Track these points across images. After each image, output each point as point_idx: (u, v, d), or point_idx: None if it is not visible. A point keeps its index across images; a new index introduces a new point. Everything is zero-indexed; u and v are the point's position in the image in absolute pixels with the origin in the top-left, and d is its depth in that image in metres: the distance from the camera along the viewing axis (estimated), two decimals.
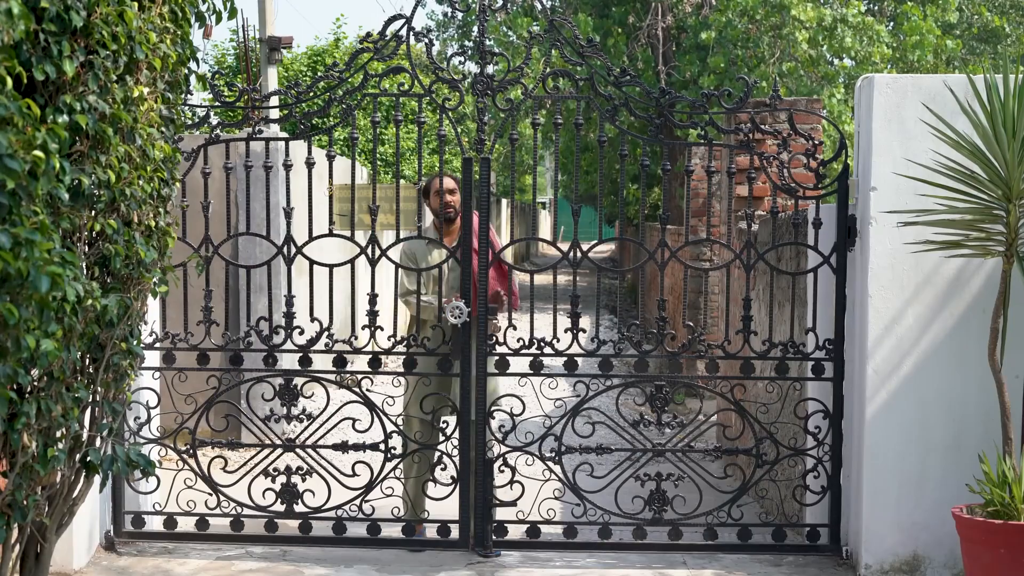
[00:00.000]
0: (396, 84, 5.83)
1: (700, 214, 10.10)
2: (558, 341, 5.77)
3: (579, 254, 5.79)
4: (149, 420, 5.78)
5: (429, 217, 6.37)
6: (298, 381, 5.88)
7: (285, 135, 6.02)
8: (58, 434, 3.80)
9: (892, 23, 18.65)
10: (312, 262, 5.83)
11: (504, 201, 31.22)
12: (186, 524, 5.87)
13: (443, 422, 5.88)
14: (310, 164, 5.81)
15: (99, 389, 4.11)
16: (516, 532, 5.82)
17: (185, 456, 5.84)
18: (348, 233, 5.96)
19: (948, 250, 5.14)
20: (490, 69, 5.72)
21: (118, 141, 3.89)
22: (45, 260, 3.14)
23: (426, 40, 5.67)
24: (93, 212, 3.87)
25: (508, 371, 5.81)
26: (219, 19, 4.69)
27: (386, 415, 5.78)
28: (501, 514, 5.80)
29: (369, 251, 5.80)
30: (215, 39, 26.67)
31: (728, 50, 16.43)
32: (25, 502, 3.66)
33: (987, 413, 5.26)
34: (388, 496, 5.79)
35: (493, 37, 19.75)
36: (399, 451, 5.89)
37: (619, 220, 6.37)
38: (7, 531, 3.66)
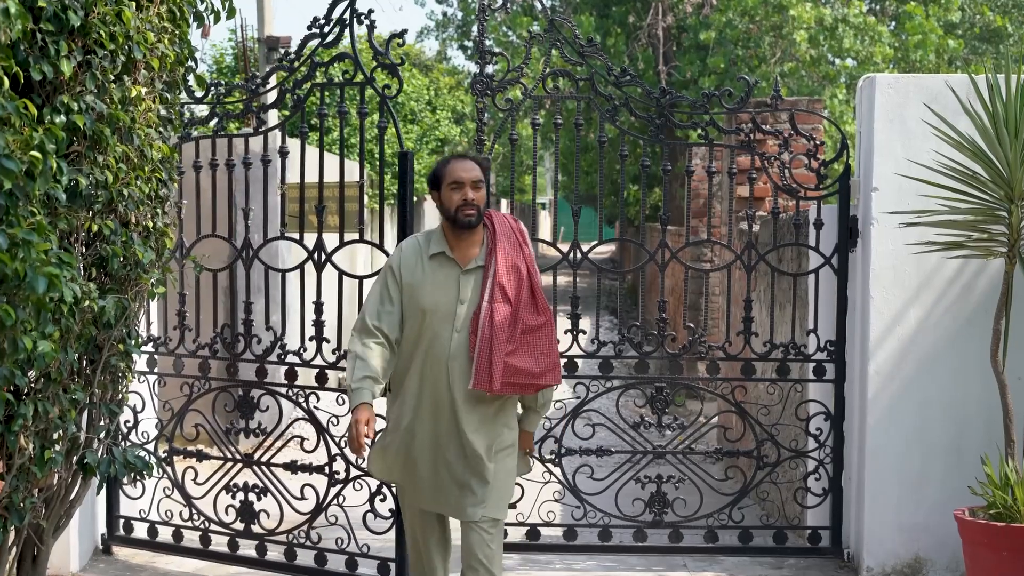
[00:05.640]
0: (341, 71, 5.45)
1: (701, 215, 10.08)
2: (558, 342, 5.74)
3: (579, 255, 5.77)
4: (136, 425, 5.64)
5: (436, 218, 6.03)
6: (255, 393, 5.61)
7: (249, 131, 5.67)
8: (55, 436, 3.79)
9: (894, 23, 18.65)
10: (268, 267, 5.55)
11: (504, 201, 31.23)
12: (167, 534, 5.71)
13: None
14: (266, 161, 5.58)
15: (96, 391, 4.10)
16: (516, 534, 5.79)
17: (164, 464, 5.65)
18: (297, 236, 5.59)
19: (950, 251, 5.12)
20: (490, 69, 5.68)
21: (116, 141, 3.88)
22: (42, 261, 3.13)
23: (367, 23, 5.29)
24: (91, 213, 3.86)
25: None
26: (217, 19, 4.67)
27: (331, 435, 5.37)
28: None
29: (315, 256, 5.42)
30: (213, 39, 26.71)
31: (729, 50, 16.41)
32: (22, 504, 3.64)
33: (989, 415, 5.24)
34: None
35: (493, 37, 19.73)
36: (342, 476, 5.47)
37: (619, 221, 6.35)
38: (4, 534, 3.65)
